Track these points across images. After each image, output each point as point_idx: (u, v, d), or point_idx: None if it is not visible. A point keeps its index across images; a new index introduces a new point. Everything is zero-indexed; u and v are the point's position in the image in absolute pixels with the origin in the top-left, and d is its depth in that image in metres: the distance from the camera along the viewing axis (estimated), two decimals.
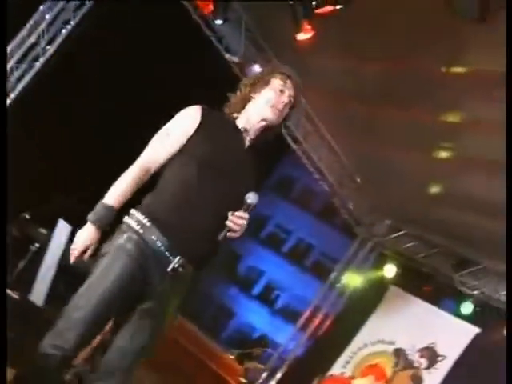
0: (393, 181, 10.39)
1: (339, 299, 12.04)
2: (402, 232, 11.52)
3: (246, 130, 3.83)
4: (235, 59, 9.71)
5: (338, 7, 6.88)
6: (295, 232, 34.09)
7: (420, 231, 11.21)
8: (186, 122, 3.76)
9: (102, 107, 13.20)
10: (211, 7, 8.40)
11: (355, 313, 11.54)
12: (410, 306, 10.95)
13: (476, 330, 10.21)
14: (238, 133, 3.83)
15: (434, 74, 7.98)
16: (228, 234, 3.55)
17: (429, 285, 10.94)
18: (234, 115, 3.91)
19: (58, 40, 8.76)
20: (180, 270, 3.59)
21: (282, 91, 3.86)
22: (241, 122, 3.87)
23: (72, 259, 3.59)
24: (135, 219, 3.62)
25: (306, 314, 12.01)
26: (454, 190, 9.73)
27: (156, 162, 3.71)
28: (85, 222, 3.60)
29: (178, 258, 3.57)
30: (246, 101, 3.91)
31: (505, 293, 10.39)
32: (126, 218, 3.67)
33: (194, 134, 3.70)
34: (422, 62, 7.93)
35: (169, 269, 3.57)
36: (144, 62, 12.79)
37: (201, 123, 3.72)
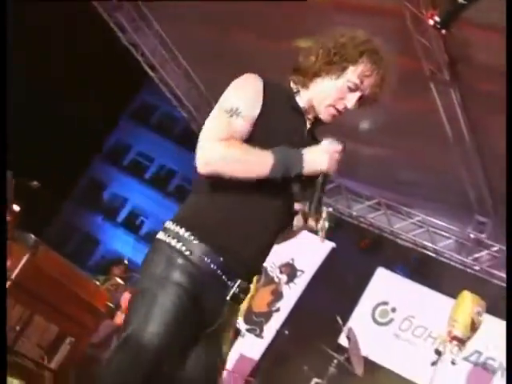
0: None
1: None
2: None
3: (306, 112, 2.99)
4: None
5: None
6: (157, 159, 34.15)
7: None
8: (252, 100, 2.83)
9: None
10: None
11: None
12: None
13: (331, 244, 10.77)
14: (299, 115, 2.99)
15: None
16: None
17: None
18: (294, 87, 3.02)
19: None
20: (241, 296, 2.85)
21: (353, 90, 2.92)
22: (301, 101, 2.99)
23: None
24: (174, 234, 2.77)
25: None
26: None
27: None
28: None
29: (238, 281, 2.81)
30: (312, 76, 2.97)
31: (357, 208, 11.03)
32: (160, 235, 2.83)
33: (257, 118, 2.83)
34: None
35: (228, 297, 2.80)
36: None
37: (264, 103, 2.83)
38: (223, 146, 2.68)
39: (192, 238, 2.72)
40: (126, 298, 7.58)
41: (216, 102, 2.86)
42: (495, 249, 10.09)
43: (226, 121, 2.73)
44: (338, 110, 2.93)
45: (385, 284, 10.78)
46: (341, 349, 8.72)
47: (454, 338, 7.92)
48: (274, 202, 2.83)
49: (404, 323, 10.41)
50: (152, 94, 28.46)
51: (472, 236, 10.24)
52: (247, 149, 2.72)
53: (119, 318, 7.66)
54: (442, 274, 10.40)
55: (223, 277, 2.73)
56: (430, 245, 10.60)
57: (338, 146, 2.81)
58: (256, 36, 8.98)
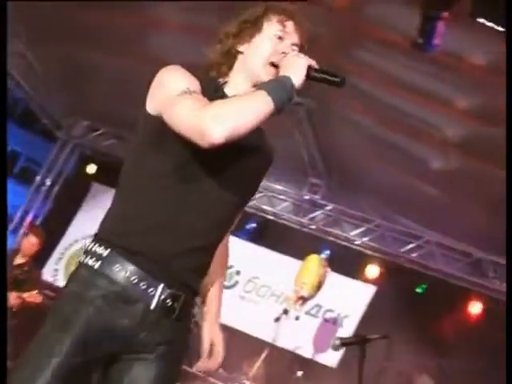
0: (89, 83, 10.60)
1: (45, 201, 12.29)
2: (100, 131, 11.90)
3: None
4: None
5: None
6: None
7: (119, 130, 11.53)
8: (194, 80, 2.61)
9: None
10: None
11: (62, 212, 11.96)
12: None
13: None
14: None
15: None
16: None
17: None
18: (220, 80, 2.79)
19: None
20: (169, 303, 2.59)
21: (280, 38, 2.72)
22: (230, 90, 2.76)
23: None
24: (87, 251, 2.61)
25: (16, 218, 12.15)
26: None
27: None
28: None
29: (161, 286, 2.56)
30: (231, 58, 2.78)
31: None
32: (81, 257, 2.64)
33: None
34: None
35: (152, 306, 2.55)
36: None
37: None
38: (211, 106, 2.44)
39: (102, 248, 2.55)
40: None
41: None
42: (329, 208, 10.64)
43: (190, 97, 2.47)
44: (275, 66, 2.66)
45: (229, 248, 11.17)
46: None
47: (301, 297, 8.50)
48: (202, 202, 2.61)
49: (248, 284, 10.89)
50: None
51: (307, 197, 10.75)
52: (233, 98, 2.60)
53: None
54: (282, 235, 10.87)
55: (141, 284, 2.51)
56: (269, 209, 10.98)
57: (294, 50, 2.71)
58: (94, 14, 8.94)
